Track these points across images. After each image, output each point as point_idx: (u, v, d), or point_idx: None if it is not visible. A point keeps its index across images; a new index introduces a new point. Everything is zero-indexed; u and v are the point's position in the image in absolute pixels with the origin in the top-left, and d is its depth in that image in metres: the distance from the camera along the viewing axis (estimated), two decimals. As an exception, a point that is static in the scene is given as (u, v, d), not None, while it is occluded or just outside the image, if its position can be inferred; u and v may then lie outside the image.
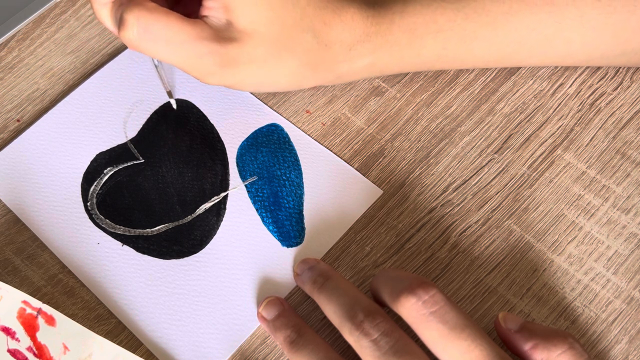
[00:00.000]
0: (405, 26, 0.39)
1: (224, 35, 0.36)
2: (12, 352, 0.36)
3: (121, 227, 0.41)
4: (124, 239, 0.40)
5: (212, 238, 0.40)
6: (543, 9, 0.39)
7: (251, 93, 0.45)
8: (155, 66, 0.43)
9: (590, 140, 0.42)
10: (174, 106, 0.44)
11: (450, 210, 0.41)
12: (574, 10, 0.39)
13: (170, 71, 0.45)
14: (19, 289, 0.38)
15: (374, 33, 0.39)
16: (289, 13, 0.36)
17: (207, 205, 0.41)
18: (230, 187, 0.42)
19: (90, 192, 0.42)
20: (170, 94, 0.44)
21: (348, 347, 0.35)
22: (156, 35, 0.35)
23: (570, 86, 0.44)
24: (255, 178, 0.42)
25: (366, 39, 0.39)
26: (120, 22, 0.35)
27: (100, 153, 0.43)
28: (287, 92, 0.45)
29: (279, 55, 0.37)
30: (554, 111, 0.43)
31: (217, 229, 0.40)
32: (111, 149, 0.43)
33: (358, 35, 0.39)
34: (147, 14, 0.34)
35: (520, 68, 0.45)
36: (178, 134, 0.43)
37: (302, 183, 0.42)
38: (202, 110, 0.44)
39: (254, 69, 0.37)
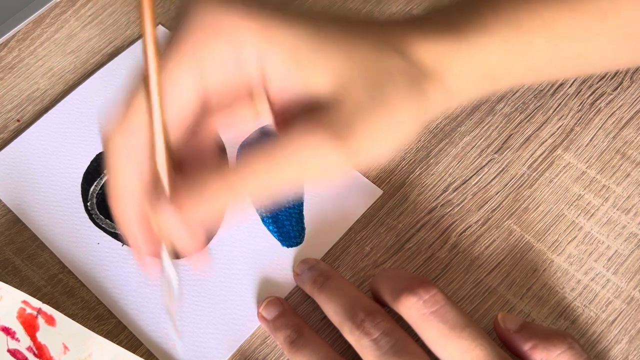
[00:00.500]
0: (503, 17, 0.32)
1: (324, 111, 0.28)
2: (12, 352, 0.36)
3: (121, 227, 0.41)
4: (124, 239, 0.40)
5: (212, 238, 0.40)
6: None
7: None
8: (172, 299, 0.33)
9: (590, 140, 0.42)
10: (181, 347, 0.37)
11: (450, 210, 0.41)
12: None
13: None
14: (19, 289, 0.37)
15: (462, 33, 0.31)
16: (361, 48, 0.29)
17: (207, 205, 0.41)
18: (230, 187, 0.42)
19: (91, 192, 0.42)
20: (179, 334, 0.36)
21: (348, 348, 0.35)
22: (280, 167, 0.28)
23: (570, 86, 0.44)
24: (255, 178, 0.42)
25: (454, 40, 0.31)
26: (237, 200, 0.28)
27: (100, 153, 0.43)
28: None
29: (380, 88, 0.29)
30: (554, 111, 0.43)
31: (217, 229, 0.40)
32: (111, 149, 0.43)
33: (441, 43, 0.31)
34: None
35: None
36: (178, 134, 0.43)
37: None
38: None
39: (366, 118, 0.29)
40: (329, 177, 0.29)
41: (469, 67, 0.32)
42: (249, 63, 0.29)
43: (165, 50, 0.28)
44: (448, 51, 0.31)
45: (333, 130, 0.28)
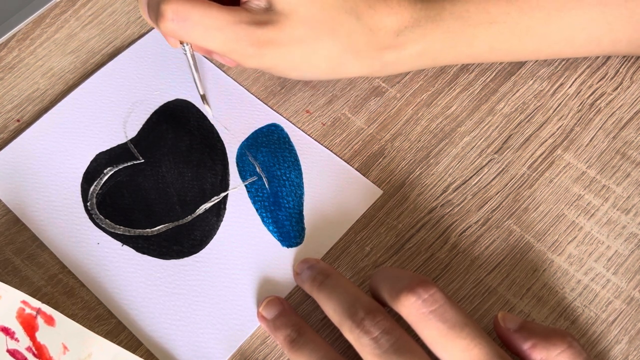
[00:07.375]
0: (457, 13, 0.39)
1: (262, 18, 0.36)
2: (12, 352, 0.36)
3: (121, 227, 0.41)
4: (124, 239, 0.40)
5: (212, 238, 0.40)
6: (595, 9, 0.39)
7: (252, 94, 0.45)
8: (190, 67, 0.41)
9: (590, 140, 0.42)
10: (210, 114, 0.43)
11: (450, 210, 0.41)
12: (625, 11, 0.39)
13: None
14: (19, 289, 0.38)
15: (423, 18, 0.38)
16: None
17: (207, 205, 0.41)
18: (230, 187, 0.42)
19: (90, 192, 0.42)
20: (204, 98, 0.43)
21: (348, 348, 0.35)
22: (194, 23, 0.36)
23: (570, 86, 0.44)
24: (255, 178, 0.42)
25: (415, 24, 0.38)
26: (158, 14, 0.36)
27: (100, 153, 0.43)
28: (287, 92, 0.45)
29: (317, 37, 0.37)
30: (554, 111, 0.43)
31: (217, 229, 0.40)
32: (111, 149, 0.43)
33: (405, 19, 0.38)
34: (183, 4, 0.36)
35: (520, 68, 0.45)
36: (178, 134, 0.43)
37: (302, 183, 0.42)
38: (202, 110, 0.44)
39: (291, 50, 0.37)
40: (238, 61, 0.38)
41: (412, 49, 0.39)
42: None
43: None
44: (400, 30, 0.38)
45: (263, 37, 0.36)
